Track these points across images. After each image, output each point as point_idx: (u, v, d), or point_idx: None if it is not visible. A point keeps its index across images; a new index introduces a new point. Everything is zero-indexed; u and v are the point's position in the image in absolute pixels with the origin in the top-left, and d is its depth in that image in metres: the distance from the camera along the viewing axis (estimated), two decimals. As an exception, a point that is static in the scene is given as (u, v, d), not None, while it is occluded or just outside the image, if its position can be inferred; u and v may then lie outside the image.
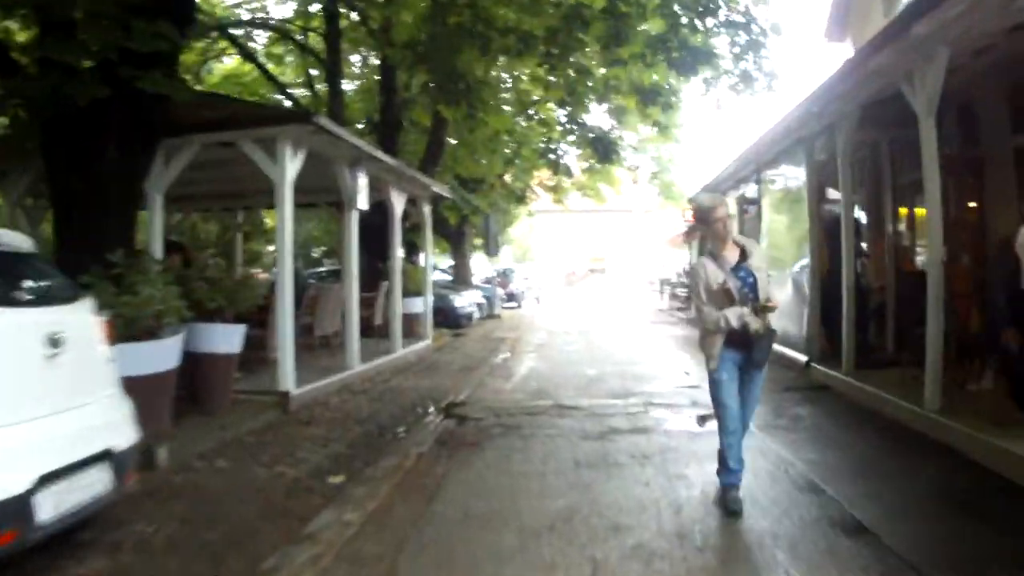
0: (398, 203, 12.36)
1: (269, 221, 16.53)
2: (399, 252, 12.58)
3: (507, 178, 22.43)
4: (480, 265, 32.19)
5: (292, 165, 8.60)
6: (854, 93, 8.15)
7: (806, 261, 10.64)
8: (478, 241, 26.00)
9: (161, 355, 6.25)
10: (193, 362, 6.99)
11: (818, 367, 9.66)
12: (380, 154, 10.66)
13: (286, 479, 5.57)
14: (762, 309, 4.60)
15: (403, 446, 6.64)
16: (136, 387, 4.87)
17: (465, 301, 18.08)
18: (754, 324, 4.58)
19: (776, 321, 5.05)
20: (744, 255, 4.78)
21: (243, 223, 15.60)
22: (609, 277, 52.88)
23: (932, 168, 6.65)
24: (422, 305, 14.74)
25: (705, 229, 5.08)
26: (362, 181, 10.32)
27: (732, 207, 17.01)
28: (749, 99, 12.72)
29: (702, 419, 7.08)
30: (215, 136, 8.41)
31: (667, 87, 12.14)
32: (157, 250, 8.11)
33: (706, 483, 5.15)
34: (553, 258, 56.02)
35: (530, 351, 14.20)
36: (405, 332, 13.83)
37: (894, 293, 9.50)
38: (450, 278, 25.25)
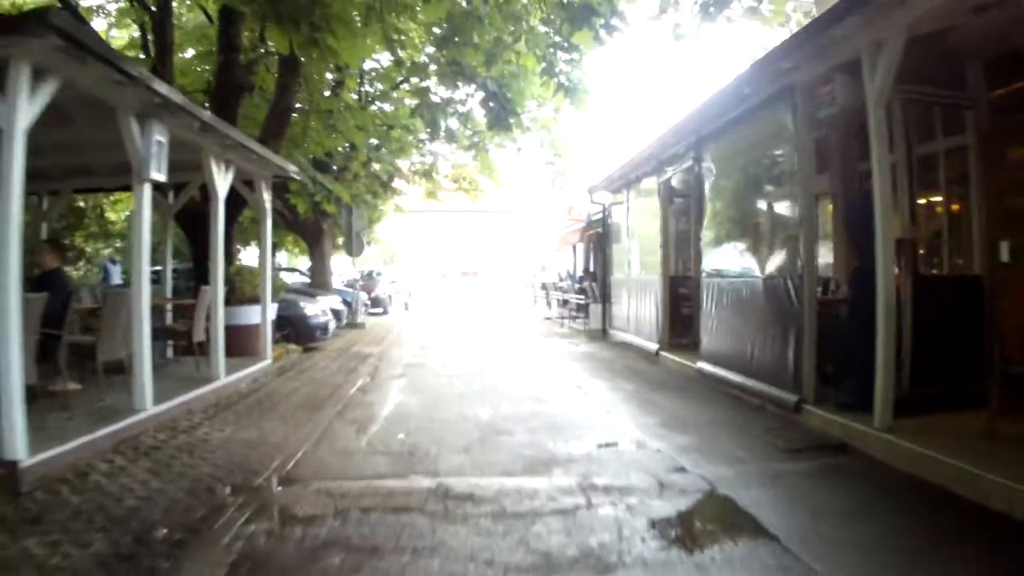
0: (221, 180, 9.19)
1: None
2: (220, 246, 9.35)
3: (375, 167, 19.28)
4: (343, 267, 28.85)
5: (28, 105, 5.48)
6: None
7: (780, 263, 8.27)
8: (341, 240, 22.63)
9: None
10: None
11: (816, 411, 7.27)
12: (186, 102, 7.47)
13: None
14: None
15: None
16: None
17: (319, 308, 14.88)
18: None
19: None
20: None
21: (49, 210, 12.09)
22: (483, 281, 50.20)
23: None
24: (259, 315, 11.52)
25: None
26: (157, 140, 7.14)
27: (638, 201, 14.68)
28: (720, 29, 9.97)
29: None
30: None
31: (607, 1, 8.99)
32: None
33: None
34: (423, 260, 52.98)
35: (397, 375, 11.26)
36: (237, 350, 10.74)
37: (911, 306, 7.11)
38: (309, 281, 21.91)
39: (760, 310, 8.77)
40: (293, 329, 14.25)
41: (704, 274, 10.69)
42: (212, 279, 9.39)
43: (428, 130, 16.38)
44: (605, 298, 16.99)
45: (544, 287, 26.97)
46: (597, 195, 17.59)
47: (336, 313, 17.73)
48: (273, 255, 23.83)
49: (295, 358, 12.98)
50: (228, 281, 11.80)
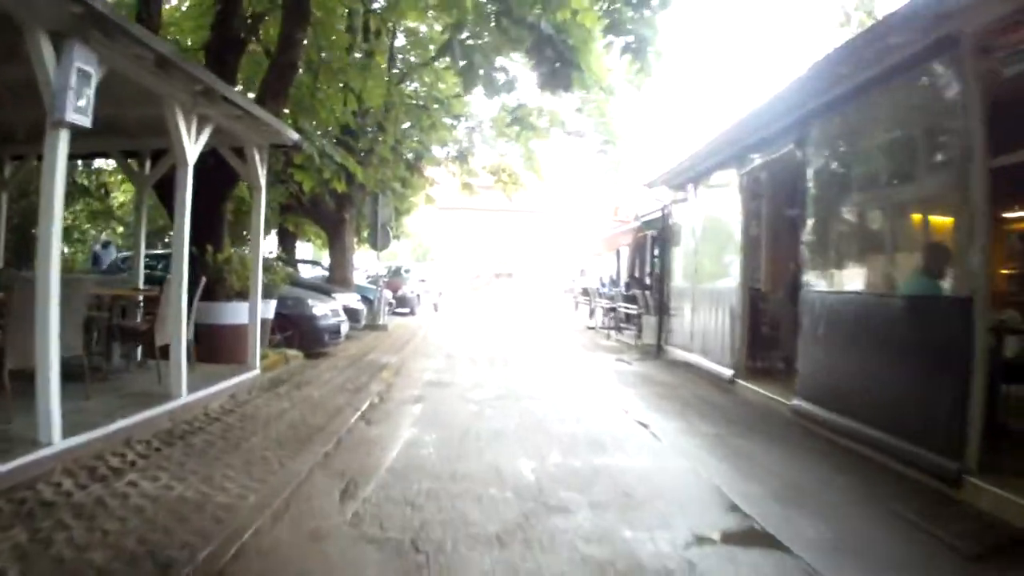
0: (190, 141, 7.10)
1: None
2: (185, 223, 7.24)
3: (407, 154, 17.11)
4: (369, 262, 26.81)
5: None
6: None
7: (931, 277, 6.07)
8: (367, 233, 20.54)
9: None
10: None
11: (985, 486, 5.17)
12: (126, 22, 5.39)
13: None
14: None
15: None
16: None
17: (329, 308, 12.75)
18: None
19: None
20: None
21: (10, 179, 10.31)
22: (518, 283, 47.91)
23: None
24: (247, 314, 9.45)
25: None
26: (79, 69, 5.07)
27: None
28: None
29: None
30: None
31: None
32: None
33: None
34: (456, 259, 50.92)
35: (414, 398, 9.13)
36: (219, 355, 8.93)
37: None
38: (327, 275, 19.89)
39: (898, 339, 6.45)
40: (297, 331, 12.17)
41: (808, 288, 8.39)
42: (175, 266, 7.28)
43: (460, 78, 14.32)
44: (662, 309, 14.68)
45: (586, 293, 24.65)
46: (656, 191, 15.29)
47: (353, 313, 15.63)
48: (291, 245, 21.93)
49: (294, 367, 10.88)
50: (216, 272, 9.82)
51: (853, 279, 7.60)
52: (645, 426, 7.75)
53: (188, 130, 7.00)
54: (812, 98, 8.25)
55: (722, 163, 11.47)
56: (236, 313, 9.60)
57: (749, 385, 9.92)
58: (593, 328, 20.91)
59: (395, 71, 16.29)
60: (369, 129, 17.06)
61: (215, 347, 9.29)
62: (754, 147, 10.20)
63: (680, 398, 9.70)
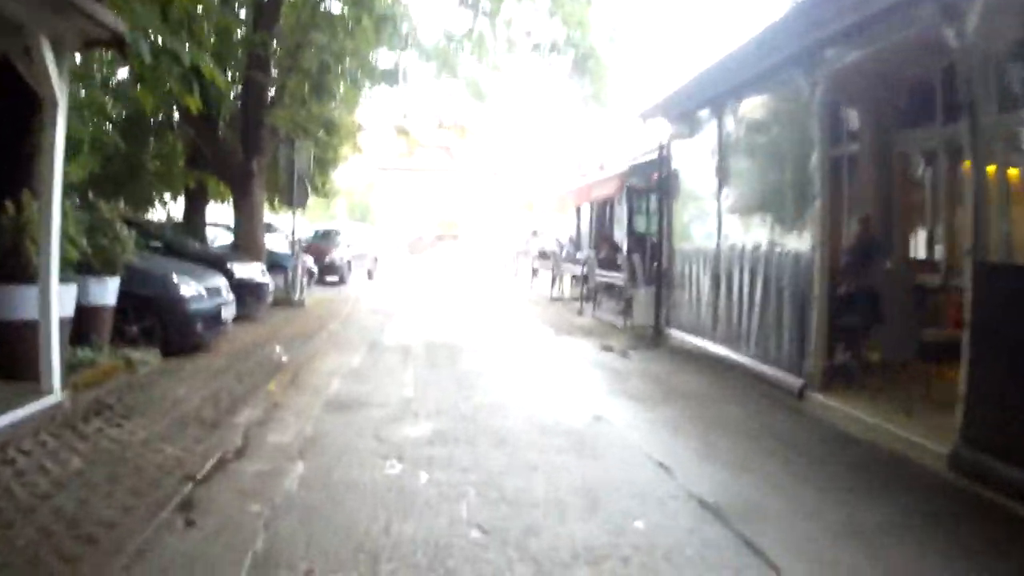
0: None
1: None
2: None
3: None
4: (298, 224, 22.92)
5: None
6: None
7: None
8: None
9: None
10: None
11: None
12: None
13: None
14: None
15: None
16: None
17: (204, 287, 9.17)
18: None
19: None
20: None
21: None
22: (464, 246, 44.24)
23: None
24: (34, 303, 5.94)
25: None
26: None
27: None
28: None
29: None
30: None
31: None
32: None
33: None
34: (397, 221, 47.11)
35: (300, 443, 5.68)
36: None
37: None
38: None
39: None
40: (158, 320, 8.62)
41: (972, 260, 5.13)
42: None
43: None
44: (661, 279, 11.28)
45: (545, 256, 21.25)
46: (651, 124, 11.85)
47: (254, 289, 12.08)
48: (200, 207, 17.96)
49: (138, 378, 7.36)
50: (12, 238, 6.36)
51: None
52: (698, 500, 4.49)
53: None
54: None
55: (777, 67, 8.05)
56: (19, 303, 6.08)
57: (835, 404, 6.67)
58: (559, 299, 17.54)
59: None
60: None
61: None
62: (845, 34, 6.76)
63: (722, 425, 6.50)
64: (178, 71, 7.47)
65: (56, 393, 5.91)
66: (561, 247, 22.53)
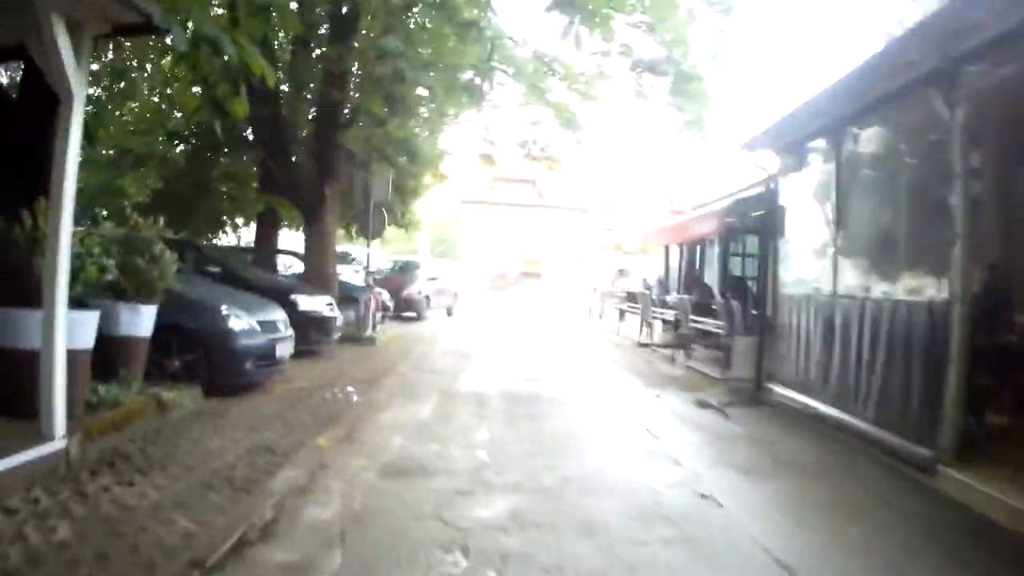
0: None
1: None
2: None
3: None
4: (376, 255, 22.12)
5: None
6: None
7: None
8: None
9: None
10: None
11: None
12: None
13: None
14: None
15: None
16: None
17: (257, 320, 8.14)
18: None
19: None
20: None
21: None
22: (547, 284, 43.02)
23: None
24: (75, 329, 5.01)
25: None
26: None
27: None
28: None
29: None
30: None
31: None
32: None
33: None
34: (480, 256, 46.27)
35: (337, 532, 4.45)
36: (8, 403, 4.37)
37: None
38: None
39: None
40: (203, 355, 7.61)
41: None
42: None
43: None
44: (765, 327, 9.83)
45: (633, 299, 19.80)
46: (757, 155, 10.44)
47: (320, 323, 11.10)
48: (273, 233, 17.26)
49: (170, 423, 6.31)
50: (24, 254, 5.48)
51: None
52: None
53: None
54: None
55: (907, 88, 6.68)
56: (21, 328, 5.13)
57: (975, 484, 5.20)
58: (648, 346, 16.05)
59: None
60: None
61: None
62: (994, 45, 5.41)
63: (851, 510, 5.04)
64: (219, 63, 6.49)
65: (58, 439, 4.88)
66: (649, 288, 21.07)
